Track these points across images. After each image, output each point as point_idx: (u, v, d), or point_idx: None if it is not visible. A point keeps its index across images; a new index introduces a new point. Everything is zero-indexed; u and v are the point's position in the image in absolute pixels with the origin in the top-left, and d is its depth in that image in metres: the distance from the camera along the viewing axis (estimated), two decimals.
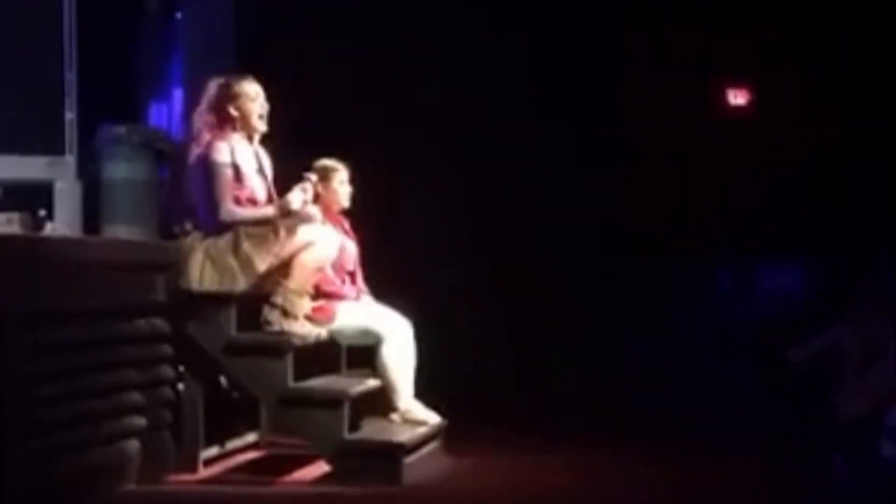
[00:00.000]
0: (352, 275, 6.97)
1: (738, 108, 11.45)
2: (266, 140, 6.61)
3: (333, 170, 7.01)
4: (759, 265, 10.99)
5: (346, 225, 7.08)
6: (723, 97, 11.45)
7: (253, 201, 6.42)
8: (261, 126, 6.51)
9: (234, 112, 6.43)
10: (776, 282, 10.80)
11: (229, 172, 6.32)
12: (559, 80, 10.70)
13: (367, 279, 7.09)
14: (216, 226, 6.27)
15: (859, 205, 10.07)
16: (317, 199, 6.84)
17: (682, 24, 10.97)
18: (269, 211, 6.38)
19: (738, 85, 11.43)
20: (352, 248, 7.01)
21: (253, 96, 6.46)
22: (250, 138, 6.51)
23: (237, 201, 6.34)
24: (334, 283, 6.77)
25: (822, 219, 10.45)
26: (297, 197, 6.40)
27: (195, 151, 6.40)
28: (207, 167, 6.30)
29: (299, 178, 6.54)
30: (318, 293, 6.60)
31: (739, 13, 10.89)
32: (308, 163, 6.85)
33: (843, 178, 10.54)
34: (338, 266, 6.82)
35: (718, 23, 10.93)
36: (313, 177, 6.68)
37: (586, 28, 10.76)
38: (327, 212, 6.86)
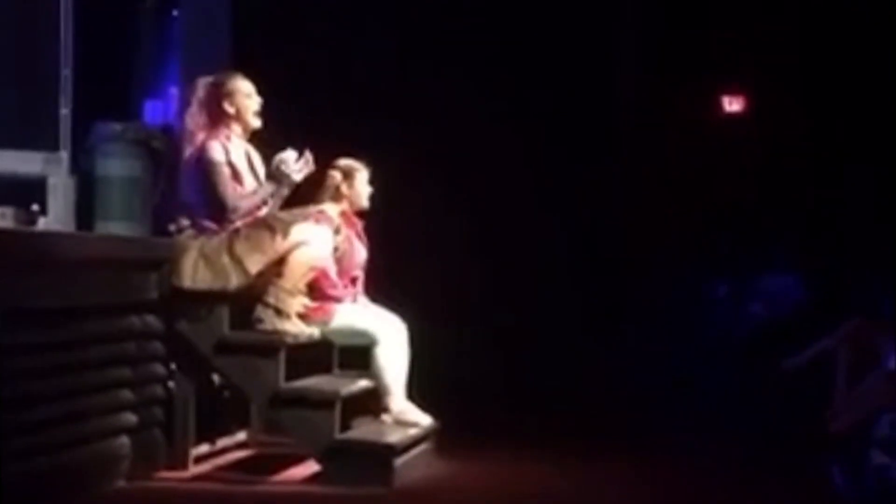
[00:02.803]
0: (354, 280, 6.91)
1: (733, 115, 11.46)
2: (256, 137, 6.58)
3: (357, 169, 6.97)
4: (755, 273, 10.99)
5: (360, 228, 7.01)
6: (718, 103, 11.46)
7: None
8: (256, 122, 6.49)
9: (229, 109, 6.39)
10: (771, 290, 10.79)
11: (227, 170, 6.30)
12: (557, 86, 10.71)
13: (367, 282, 7.01)
14: (221, 223, 6.24)
15: (856, 215, 10.08)
16: (340, 198, 6.84)
17: (679, 29, 10.99)
18: (268, 187, 6.38)
19: (733, 91, 11.44)
20: (361, 253, 6.94)
21: (247, 92, 6.44)
22: (244, 135, 6.50)
23: None
24: (336, 287, 6.69)
25: (819, 228, 10.46)
26: (291, 158, 6.35)
27: (189, 152, 6.38)
28: (204, 167, 6.26)
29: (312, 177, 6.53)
30: (318, 294, 6.58)
31: (736, 18, 10.91)
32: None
33: (840, 187, 10.54)
34: (343, 270, 6.78)
35: (715, 28, 10.95)
36: (337, 175, 6.67)
37: (583, 33, 10.78)
38: (347, 212, 6.84)
